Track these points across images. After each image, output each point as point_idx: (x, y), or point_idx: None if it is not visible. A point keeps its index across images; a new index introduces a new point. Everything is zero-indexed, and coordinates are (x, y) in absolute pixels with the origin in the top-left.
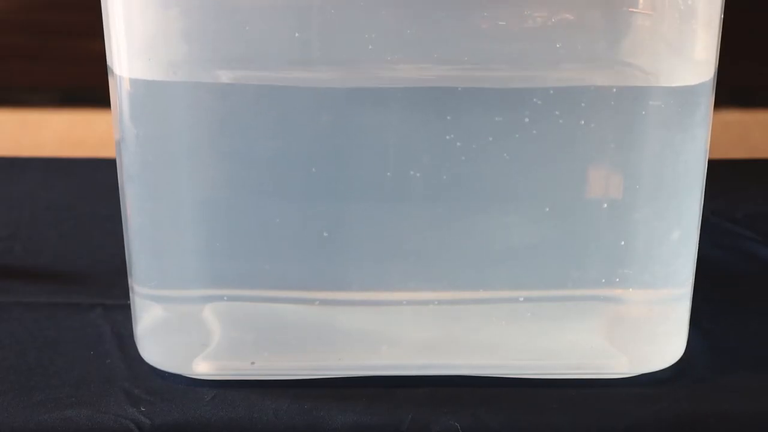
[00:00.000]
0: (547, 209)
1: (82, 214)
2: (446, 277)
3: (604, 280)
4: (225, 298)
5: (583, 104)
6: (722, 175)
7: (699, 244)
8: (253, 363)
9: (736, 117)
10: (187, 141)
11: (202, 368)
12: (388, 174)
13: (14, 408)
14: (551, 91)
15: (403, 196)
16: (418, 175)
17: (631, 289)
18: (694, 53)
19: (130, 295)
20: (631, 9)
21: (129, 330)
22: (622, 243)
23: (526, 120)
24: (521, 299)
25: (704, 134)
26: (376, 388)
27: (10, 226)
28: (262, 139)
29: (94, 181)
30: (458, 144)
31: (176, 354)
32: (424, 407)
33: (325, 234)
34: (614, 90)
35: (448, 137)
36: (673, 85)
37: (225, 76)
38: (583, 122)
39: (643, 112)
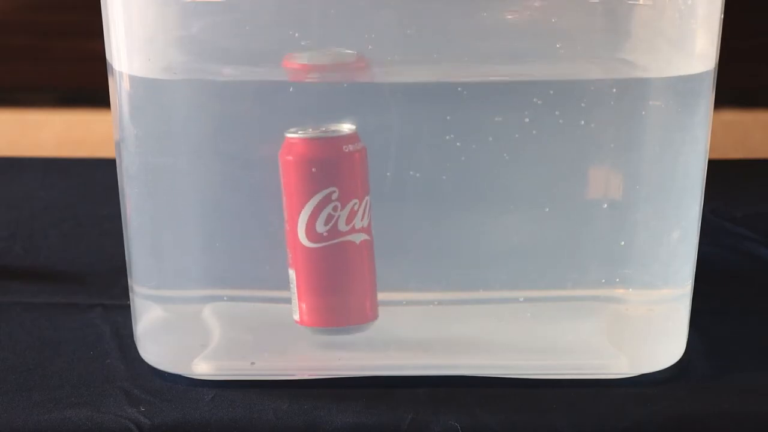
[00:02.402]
0: (547, 209)
1: (81, 214)
2: (446, 277)
3: (604, 280)
4: (225, 298)
5: (583, 104)
6: (722, 175)
7: (699, 244)
8: (252, 363)
9: (736, 117)
10: (186, 141)
11: (202, 368)
12: (388, 174)
13: (14, 408)
14: (551, 91)
15: (403, 196)
16: (418, 175)
17: (631, 289)
18: (694, 49)
19: (130, 295)
20: (630, 4)
21: (129, 330)
22: (622, 243)
23: (526, 120)
24: (521, 299)
25: (704, 134)
26: (376, 388)
27: (9, 226)
28: (262, 139)
29: (94, 181)
30: (458, 144)
31: (176, 354)
32: (424, 407)
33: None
34: (614, 90)
35: (448, 137)
36: (673, 79)
37: (225, 76)
38: (583, 122)
39: (643, 112)
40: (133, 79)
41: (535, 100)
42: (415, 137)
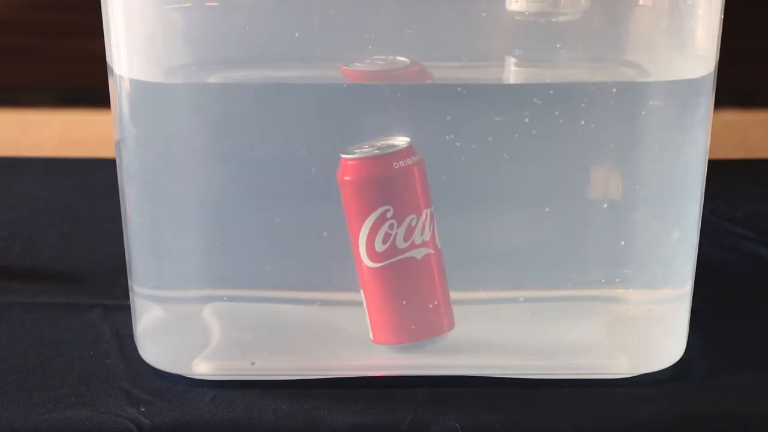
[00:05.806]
0: (547, 209)
1: (81, 214)
2: (446, 277)
3: (604, 280)
4: (225, 298)
5: (583, 104)
6: (722, 175)
7: (699, 244)
8: (253, 363)
9: (736, 117)
10: (186, 141)
11: (202, 368)
12: None
13: (14, 408)
14: (551, 91)
15: None
16: None
17: (631, 289)
18: (694, 49)
19: (130, 295)
20: (630, 5)
21: (129, 330)
22: (622, 243)
23: (526, 120)
24: (521, 299)
25: (704, 134)
26: (376, 388)
27: (9, 226)
28: (262, 139)
29: (94, 181)
30: (458, 144)
31: (176, 354)
32: (424, 407)
33: (325, 234)
34: (614, 90)
35: (448, 137)
36: (673, 80)
37: (225, 77)
38: (583, 122)
39: (643, 112)
40: (133, 80)
41: (535, 100)
42: (415, 137)
